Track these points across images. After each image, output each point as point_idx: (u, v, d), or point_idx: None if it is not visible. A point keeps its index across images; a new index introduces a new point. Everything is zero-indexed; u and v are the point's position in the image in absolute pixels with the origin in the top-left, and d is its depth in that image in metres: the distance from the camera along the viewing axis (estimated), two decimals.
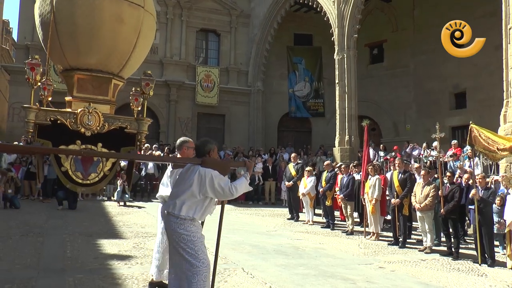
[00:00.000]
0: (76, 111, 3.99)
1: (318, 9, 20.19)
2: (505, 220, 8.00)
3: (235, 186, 4.06)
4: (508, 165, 10.89)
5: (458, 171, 12.02)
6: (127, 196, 14.94)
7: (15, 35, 29.56)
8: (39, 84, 3.97)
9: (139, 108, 4.60)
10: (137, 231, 9.67)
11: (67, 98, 4.24)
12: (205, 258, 4.03)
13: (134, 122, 4.28)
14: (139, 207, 14.42)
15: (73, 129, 3.97)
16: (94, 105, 4.08)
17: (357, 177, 11.81)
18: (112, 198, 15.77)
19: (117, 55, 4.26)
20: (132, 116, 4.43)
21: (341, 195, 11.45)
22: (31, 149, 3.92)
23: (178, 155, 5.10)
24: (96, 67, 4.20)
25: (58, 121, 3.96)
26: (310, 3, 20.71)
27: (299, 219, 13.14)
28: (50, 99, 4.37)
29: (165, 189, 5.13)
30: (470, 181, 9.20)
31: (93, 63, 4.18)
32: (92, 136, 4.03)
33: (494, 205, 8.56)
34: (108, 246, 7.95)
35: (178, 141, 5.16)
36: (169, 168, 5.19)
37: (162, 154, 16.30)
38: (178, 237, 3.96)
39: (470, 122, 8.79)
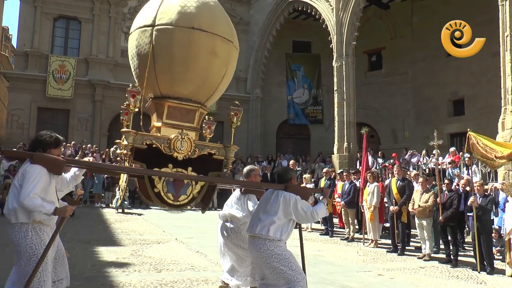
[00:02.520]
0: (170, 137, 4.21)
1: (317, 17, 20.31)
2: (500, 227, 8.00)
3: (316, 210, 4.38)
4: (506, 172, 10.90)
5: (457, 179, 12.00)
6: (126, 203, 14.92)
7: (14, 42, 29.63)
8: (136, 110, 4.12)
9: (211, 135, 4.83)
10: (135, 238, 9.65)
11: (157, 124, 4.44)
12: (300, 270, 4.31)
13: (222, 149, 4.53)
14: (138, 214, 14.39)
15: (166, 153, 4.19)
16: (185, 131, 4.31)
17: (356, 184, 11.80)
18: (110, 205, 15.74)
19: (207, 86, 4.52)
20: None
21: (342, 202, 11.43)
22: (133, 170, 4.10)
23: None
24: (187, 96, 4.44)
25: (153, 145, 4.16)
26: (309, 11, 20.83)
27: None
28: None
29: (229, 209, 5.49)
30: (468, 188, 9.20)
31: (185, 93, 4.42)
32: (183, 161, 4.27)
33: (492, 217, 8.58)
34: (106, 253, 7.92)
35: (245, 170, 5.57)
36: (238, 191, 5.50)
37: None
38: (270, 257, 4.20)
39: (468, 129, 8.80)
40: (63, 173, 4.05)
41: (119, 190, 14.85)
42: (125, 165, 4.12)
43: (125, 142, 4.05)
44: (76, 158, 16.72)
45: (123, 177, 4.50)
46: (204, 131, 4.81)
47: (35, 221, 3.65)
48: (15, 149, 3.77)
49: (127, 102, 4.13)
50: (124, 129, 4.10)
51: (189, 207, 17.10)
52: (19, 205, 3.57)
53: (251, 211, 5.18)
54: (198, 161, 4.36)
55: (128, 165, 4.10)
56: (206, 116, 4.86)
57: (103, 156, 18.01)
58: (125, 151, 4.06)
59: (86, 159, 4.42)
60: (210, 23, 4.32)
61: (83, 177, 4.32)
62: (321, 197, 4.80)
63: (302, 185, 4.93)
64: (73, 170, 4.21)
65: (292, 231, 4.50)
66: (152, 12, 4.33)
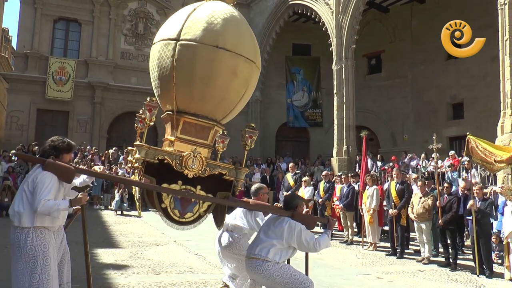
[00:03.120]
0: (182, 154, 4.18)
1: (317, 20, 20.33)
2: (499, 231, 7.99)
3: (319, 241, 4.38)
4: (505, 176, 10.90)
5: (462, 183, 11.94)
6: (125, 205, 14.91)
7: (14, 43, 29.64)
8: (151, 123, 4.16)
9: (224, 149, 4.84)
10: (134, 241, 9.63)
11: (170, 138, 4.43)
12: (305, 276, 4.36)
13: (233, 170, 4.50)
14: (137, 216, 14.36)
15: (177, 169, 4.16)
16: (198, 149, 4.28)
17: (355, 187, 11.80)
18: (109, 207, 15.73)
19: (225, 104, 4.51)
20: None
21: (341, 205, 11.42)
22: (141, 185, 4.14)
23: (254, 199, 5.41)
24: (203, 113, 4.42)
25: (165, 161, 4.14)
26: (308, 14, 20.86)
27: None
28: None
29: (232, 220, 5.49)
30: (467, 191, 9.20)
31: (202, 110, 4.41)
32: (193, 178, 4.24)
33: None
34: (105, 255, 7.91)
35: (253, 188, 5.56)
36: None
37: None
38: (271, 276, 4.22)
39: (467, 133, 8.81)
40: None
41: (118, 192, 14.90)
42: (135, 178, 4.13)
43: (137, 155, 4.03)
44: (75, 160, 16.74)
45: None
46: (217, 145, 4.80)
47: (37, 226, 3.69)
48: (27, 154, 3.85)
49: (142, 115, 4.13)
50: (137, 143, 4.08)
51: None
52: (27, 210, 3.64)
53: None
54: (207, 180, 4.32)
55: (138, 178, 4.11)
56: (221, 131, 4.84)
57: (102, 158, 17.99)
58: (136, 164, 4.04)
59: (96, 167, 4.45)
60: (235, 43, 4.29)
61: (91, 185, 4.33)
62: (326, 229, 4.82)
63: (308, 214, 4.91)
64: (82, 176, 4.23)
65: (292, 256, 4.54)
66: (178, 25, 4.28)
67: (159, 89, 4.44)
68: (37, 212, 3.59)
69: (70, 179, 3.87)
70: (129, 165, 4.37)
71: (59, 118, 21.36)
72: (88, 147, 19.30)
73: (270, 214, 4.79)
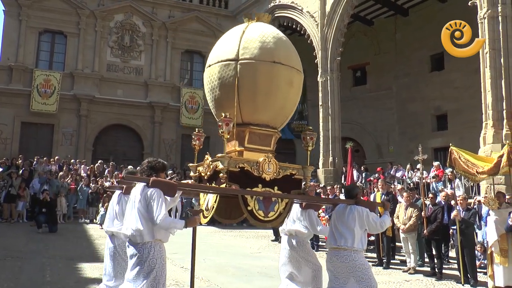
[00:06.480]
0: (258, 160, 4.66)
1: (302, 32, 20.53)
2: (484, 241, 8.06)
3: (383, 221, 4.98)
4: (488, 186, 11.03)
5: (441, 193, 12.09)
6: None
7: None
8: (228, 136, 4.55)
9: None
10: None
11: (238, 148, 4.90)
12: (374, 279, 4.75)
13: (301, 169, 5.00)
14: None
15: (255, 175, 4.62)
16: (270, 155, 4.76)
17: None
18: (94, 220, 15.56)
19: (283, 113, 5.12)
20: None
21: (327, 216, 11.43)
22: (227, 190, 4.48)
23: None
24: (266, 123, 4.98)
25: (245, 168, 4.60)
26: (294, 26, 21.05)
27: None
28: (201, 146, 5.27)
29: (293, 224, 5.82)
30: (453, 202, 9.28)
31: (265, 120, 4.96)
32: (270, 181, 4.71)
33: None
34: (90, 270, 7.81)
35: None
36: (297, 207, 5.74)
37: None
38: (355, 267, 4.66)
39: (450, 144, 8.92)
40: None
41: (103, 206, 14.76)
42: (223, 186, 4.49)
43: (221, 166, 4.46)
44: (60, 174, 16.58)
45: (203, 196, 4.89)
46: None
47: (156, 239, 4.01)
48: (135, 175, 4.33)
49: (221, 130, 4.46)
50: (220, 154, 4.56)
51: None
52: (146, 226, 3.93)
53: (318, 229, 5.78)
54: (281, 181, 4.78)
55: (225, 186, 4.48)
56: (277, 135, 5.29)
57: (88, 172, 17.83)
58: (221, 174, 4.44)
59: (185, 181, 4.71)
60: (287, 57, 4.92)
61: (179, 198, 4.57)
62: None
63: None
64: None
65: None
66: (234, 47, 4.79)
67: (220, 106, 4.83)
68: (157, 225, 3.89)
69: (174, 193, 4.15)
70: (192, 180, 5.01)
71: (44, 131, 21.15)
72: (72, 160, 19.10)
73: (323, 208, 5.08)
